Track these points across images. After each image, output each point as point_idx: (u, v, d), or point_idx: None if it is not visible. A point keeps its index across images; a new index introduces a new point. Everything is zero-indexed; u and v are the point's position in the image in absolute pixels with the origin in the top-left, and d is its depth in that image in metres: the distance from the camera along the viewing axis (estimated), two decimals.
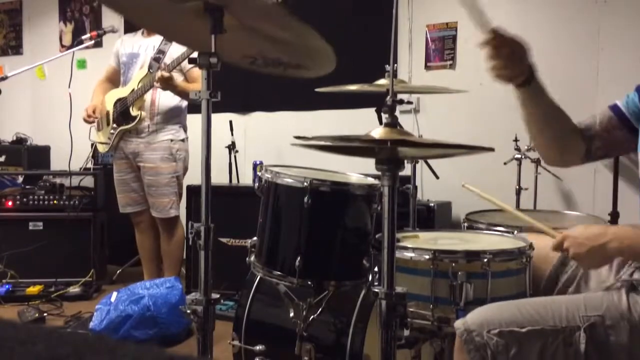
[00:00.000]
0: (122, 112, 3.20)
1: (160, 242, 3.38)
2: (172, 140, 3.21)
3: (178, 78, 3.15)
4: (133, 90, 3.16)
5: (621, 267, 1.39)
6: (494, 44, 1.36)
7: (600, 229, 1.31)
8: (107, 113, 3.27)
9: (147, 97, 3.16)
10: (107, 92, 3.34)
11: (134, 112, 3.16)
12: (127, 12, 1.74)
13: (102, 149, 3.37)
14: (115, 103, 3.23)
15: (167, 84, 3.00)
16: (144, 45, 3.21)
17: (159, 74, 2.97)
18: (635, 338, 1.20)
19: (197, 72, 3.11)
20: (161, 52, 3.13)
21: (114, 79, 3.39)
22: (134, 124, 3.16)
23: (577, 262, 1.33)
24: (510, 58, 1.37)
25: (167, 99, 3.18)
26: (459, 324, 1.28)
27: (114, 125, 3.24)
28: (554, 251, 1.38)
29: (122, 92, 3.24)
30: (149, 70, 3.13)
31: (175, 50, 3.05)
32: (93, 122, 3.27)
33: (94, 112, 3.22)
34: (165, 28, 1.76)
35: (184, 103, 3.26)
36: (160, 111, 3.19)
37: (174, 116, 3.24)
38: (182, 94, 3.09)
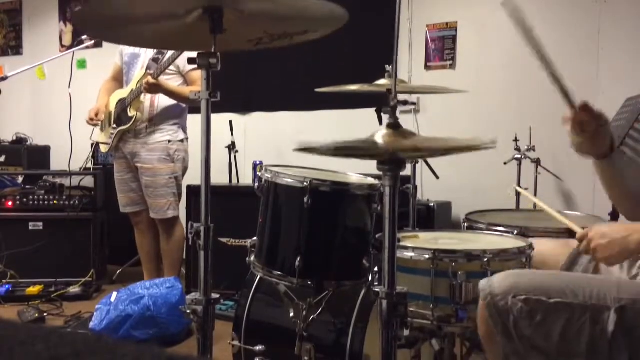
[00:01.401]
0: (121, 113, 3.20)
1: (160, 242, 3.38)
2: (169, 141, 3.19)
3: (177, 81, 3.15)
4: (132, 90, 3.16)
5: (632, 266, 1.39)
6: (583, 120, 1.37)
7: (625, 226, 1.30)
8: (110, 113, 3.28)
9: (147, 98, 3.16)
10: (113, 91, 3.34)
11: (131, 112, 3.15)
12: (127, 40, 1.75)
13: (104, 149, 3.38)
14: (117, 103, 3.24)
15: (154, 88, 2.98)
16: None
17: (145, 79, 2.96)
18: None
19: (197, 74, 3.12)
20: (160, 52, 3.12)
21: (119, 78, 3.39)
22: (130, 124, 3.15)
23: (598, 255, 1.29)
24: (595, 134, 1.38)
25: (166, 101, 3.17)
26: (483, 284, 1.27)
27: (114, 126, 3.24)
28: (579, 240, 1.35)
29: (123, 92, 3.24)
30: (146, 70, 3.13)
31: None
32: (96, 124, 3.28)
33: (96, 115, 3.23)
34: (164, 41, 1.76)
35: (177, 104, 3.24)
36: (159, 112, 3.18)
37: (173, 117, 3.21)
38: (174, 96, 3.08)
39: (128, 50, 3.26)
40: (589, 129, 1.37)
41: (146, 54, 3.18)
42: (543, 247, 1.54)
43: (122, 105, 3.19)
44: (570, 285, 1.24)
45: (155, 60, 3.12)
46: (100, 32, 1.71)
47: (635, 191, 1.48)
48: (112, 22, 1.46)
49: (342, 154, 1.31)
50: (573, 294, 1.21)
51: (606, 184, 1.49)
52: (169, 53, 3.09)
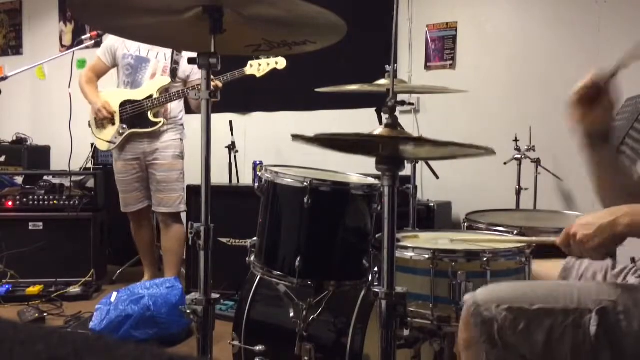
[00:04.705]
0: (137, 116, 3.24)
1: (156, 232, 3.50)
2: (181, 140, 3.40)
3: (180, 88, 3.28)
4: (151, 96, 3.23)
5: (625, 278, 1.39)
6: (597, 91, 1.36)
7: (607, 210, 1.23)
8: (112, 113, 3.29)
9: None
10: (96, 88, 3.37)
11: (152, 117, 3.26)
12: (125, 32, 1.74)
13: (104, 147, 3.38)
14: (124, 104, 3.26)
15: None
16: (152, 51, 3.27)
17: (214, 83, 2.94)
18: None
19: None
20: (176, 62, 3.26)
21: (99, 74, 3.43)
22: (153, 129, 3.27)
23: (587, 246, 1.21)
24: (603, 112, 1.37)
25: (175, 103, 3.33)
26: (467, 297, 1.27)
27: (124, 126, 3.26)
28: (561, 246, 1.28)
29: (132, 94, 3.27)
30: (172, 79, 3.25)
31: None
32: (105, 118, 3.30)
33: (105, 109, 3.26)
34: (163, 38, 1.75)
35: (182, 105, 3.42)
36: (172, 114, 3.35)
37: (180, 118, 3.41)
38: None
39: (131, 52, 3.30)
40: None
41: (157, 60, 3.27)
42: (539, 268, 1.54)
43: (137, 108, 3.24)
44: (551, 291, 1.24)
45: (173, 70, 3.25)
46: (96, 20, 1.64)
47: (621, 184, 1.43)
48: (109, 9, 1.44)
49: (339, 143, 1.31)
50: (554, 300, 1.21)
51: (592, 171, 1.45)
52: (182, 63, 3.21)
